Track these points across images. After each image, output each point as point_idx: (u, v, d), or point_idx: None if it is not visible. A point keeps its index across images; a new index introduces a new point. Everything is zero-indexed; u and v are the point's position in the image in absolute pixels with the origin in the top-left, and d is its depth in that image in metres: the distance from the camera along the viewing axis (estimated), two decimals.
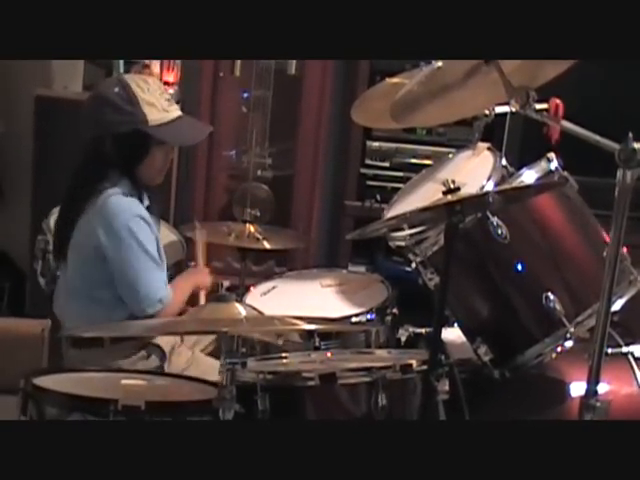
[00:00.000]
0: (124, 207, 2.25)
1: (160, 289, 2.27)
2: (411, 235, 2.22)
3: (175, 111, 2.35)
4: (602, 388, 1.75)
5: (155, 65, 3.44)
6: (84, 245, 2.28)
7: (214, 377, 1.97)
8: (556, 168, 2.22)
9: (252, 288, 2.69)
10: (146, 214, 2.29)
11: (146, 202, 2.37)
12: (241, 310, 1.81)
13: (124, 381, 1.89)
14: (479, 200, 1.99)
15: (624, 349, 2.27)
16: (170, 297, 2.29)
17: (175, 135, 2.36)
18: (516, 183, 2.18)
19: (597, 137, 1.76)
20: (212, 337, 2.55)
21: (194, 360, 2.42)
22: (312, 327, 1.99)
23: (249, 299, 2.60)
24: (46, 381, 1.89)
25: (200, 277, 2.51)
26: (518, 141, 3.35)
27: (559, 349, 2.16)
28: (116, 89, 2.29)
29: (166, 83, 3.45)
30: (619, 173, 1.69)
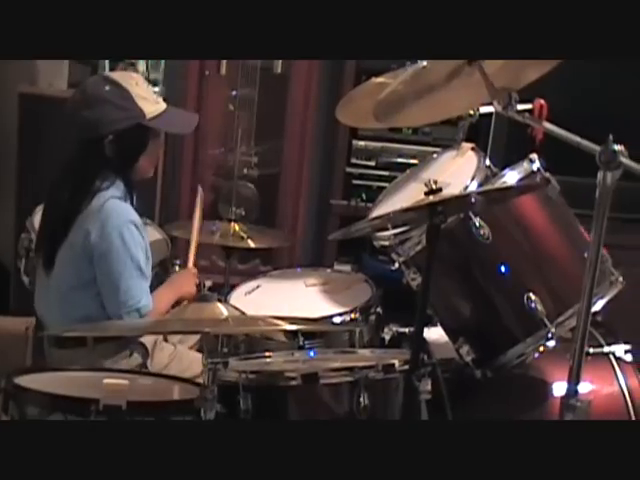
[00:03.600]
0: (119, 211, 2.26)
1: (140, 298, 2.25)
2: (395, 235, 2.23)
3: (162, 102, 2.39)
4: (583, 388, 1.76)
5: (140, 63, 3.44)
6: (73, 245, 2.28)
7: (197, 370, 1.97)
8: (538, 169, 2.23)
9: (236, 287, 2.69)
10: (139, 221, 2.30)
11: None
12: (223, 310, 1.81)
13: (106, 380, 1.88)
14: (461, 201, 1.99)
15: (605, 349, 2.29)
16: (149, 307, 2.27)
17: (171, 125, 2.42)
18: (498, 184, 2.19)
19: (578, 139, 1.77)
20: (197, 336, 2.54)
21: (177, 355, 2.42)
22: (295, 328, 1.99)
23: (233, 298, 2.60)
24: (27, 380, 1.89)
25: (185, 285, 2.48)
26: (503, 141, 3.36)
27: (541, 349, 2.17)
28: (107, 87, 2.29)
29: (152, 82, 3.44)
30: (599, 175, 1.70)
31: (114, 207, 2.26)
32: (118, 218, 2.25)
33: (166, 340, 2.45)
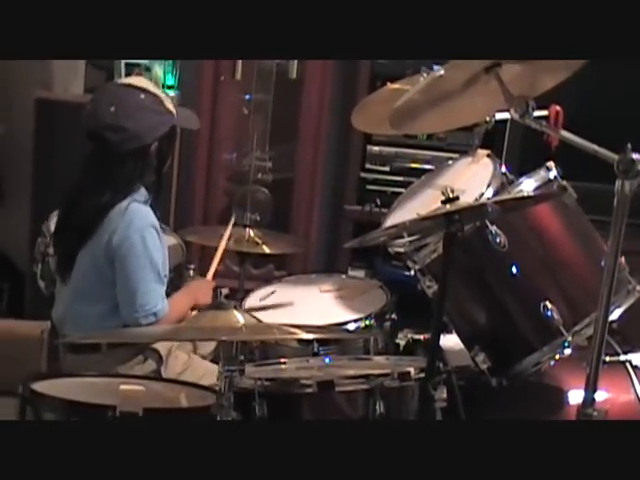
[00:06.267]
0: (142, 214, 2.28)
1: (157, 303, 2.26)
2: (410, 242, 2.23)
3: None
4: (600, 396, 1.75)
5: (156, 68, 3.45)
6: (94, 248, 2.28)
7: (211, 381, 1.97)
8: (555, 177, 2.22)
9: (251, 293, 2.69)
10: (158, 226, 2.31)
11: None
12: (239, 318, 1.81)
13: (122, 387, 1.88)
14: (477, 209, 1.99)
15: (622, 357, 2.27)
16: (165, 312, 2.28)
17: (188, 120, 2.49)
18: (515, 192, 2.18)
19: (595, 147, 1.76)
20: (214, 344, 2.53)
21: (191, 364, 2.42)
22: (310, 336, 1.99)
23: (248, 304, 2.60)
24: (44, 386, 1.89)
25: (202, 294, 2.48)
26: (518, 147, 3.36)
27: (557, 357, 2.16)
28: (142, 95, 2.29)
29: (167, 87, 3.46)
30: (617, 183, 1.69)
31: (137, 210, 2.28)
32: (141, 221, 2.26)
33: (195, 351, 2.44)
